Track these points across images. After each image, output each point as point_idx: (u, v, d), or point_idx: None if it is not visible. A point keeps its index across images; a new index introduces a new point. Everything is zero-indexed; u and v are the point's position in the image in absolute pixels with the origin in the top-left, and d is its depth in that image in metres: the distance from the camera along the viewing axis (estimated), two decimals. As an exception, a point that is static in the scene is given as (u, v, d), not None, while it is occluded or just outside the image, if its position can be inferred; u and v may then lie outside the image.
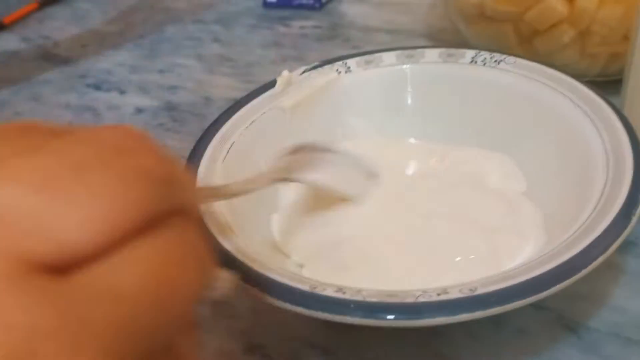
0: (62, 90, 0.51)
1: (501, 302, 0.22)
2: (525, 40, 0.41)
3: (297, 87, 0.35)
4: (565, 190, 0.29)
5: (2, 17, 0.62)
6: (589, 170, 0.27)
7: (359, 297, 0.22)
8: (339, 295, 0.22)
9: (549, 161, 0.31)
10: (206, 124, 0.33)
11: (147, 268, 0.14)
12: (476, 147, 0.34)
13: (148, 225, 0.14)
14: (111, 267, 0.13)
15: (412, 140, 0.36)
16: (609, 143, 0.28)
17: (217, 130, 0.32)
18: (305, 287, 0.23)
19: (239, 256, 0.24)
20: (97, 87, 0.51)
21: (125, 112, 0.47)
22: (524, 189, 0.32)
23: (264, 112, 0.34)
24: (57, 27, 0.62)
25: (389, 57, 0.36)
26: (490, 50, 0.35)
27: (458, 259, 0.28)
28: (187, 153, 0.31)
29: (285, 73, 0.35)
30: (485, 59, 0.34)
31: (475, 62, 0.35)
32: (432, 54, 0.36)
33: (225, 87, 0.49)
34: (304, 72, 0.36)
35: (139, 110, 0.47)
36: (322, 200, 0.32)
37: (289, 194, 0.33)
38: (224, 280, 0.24)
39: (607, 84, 0.36)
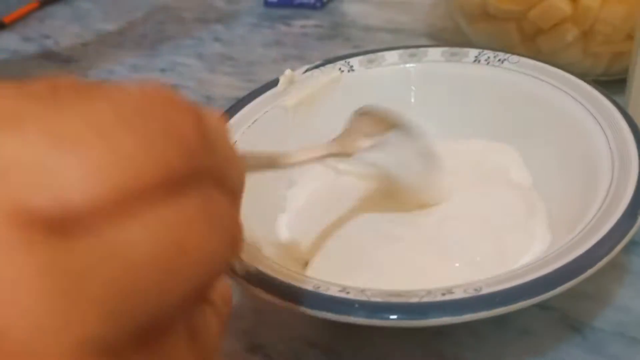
0: (62, 89, 0.51)
1: (506, 302, 0.22)
2: (529, 39, 0.41)
3: (299, 85, 0.35)
4: (570, 190, 0.29)
5: (3, 17, 0.62)
6: (593, 169, 0.27)
7: (362, 297, 0.22)
8: (343, 295, 0.22)
9: (553, 160, 0.31)
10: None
11: (160, 232, 0.13)
12: (480, 145, 0.34)
13: (169, 187, 0.13)
14: (119, 228, 0.12)
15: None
16: (613, 142, 0.27)
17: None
18: (308, 287, 0.23)
19: (242, 255, 0.24)
20: (98, 86, 0.51)
21: (126, 111, 0.47)
22: (530, 185, 0.31)
23: (267, 111, 0.33)
24: (58, 26, 0.62)
25: (391, 56, 0.36)
26: (493, 49, 0.35)
27: (463, 262, 0.27)
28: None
29: (288, 72, 0.35)
30: (488, 57, 0.34)
31: (479, 61, 0.34)
32: (435, 52, 0.36)
33: (226, 87, 0.49)
34: (306, 70, 0.36)
35: (140, 110, 0.47)
36: (332, 200, 0.31)
37: (298, 193, 0.32)
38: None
39: (611, 83, 0.36)
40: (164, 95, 0.14)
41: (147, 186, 0.12)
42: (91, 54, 0.56)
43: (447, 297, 0.22)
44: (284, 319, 0.29)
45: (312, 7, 0.59)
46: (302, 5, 0.59)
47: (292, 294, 0.23)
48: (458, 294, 0.22)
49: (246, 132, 0.32)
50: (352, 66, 0.36)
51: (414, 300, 0.22)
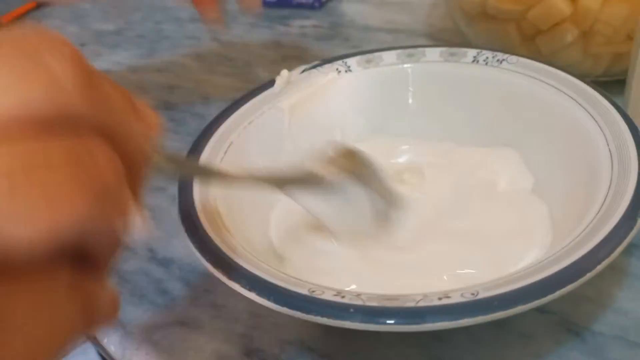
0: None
1: (503, 306, 0.21)
2: (528, 40, 0.40)
3: (296, 86, 0.35)
4: (569, 191, 0.28)
5: (0, 16, 0.62)
6: (593, 171, 0.27)
7: (358, 302, 0.22)
8: (338, 299, 0.22)
9: (552, 161, 0.31)
10: (205, 124, 0.33)
11: (12, 165, 0.13)
12: (479, 146, 0.34)
13: (30, 125, 0.13)
14: None
15: (413, 140, 0.35)
16: (612, 143, 0.27)
17: (215, 130, 0.32)
18: (303, 291, 0.22)
19: (237, 259, 0.24)
20: (95, 86, 0.51)
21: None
22: (531, 187, 0.31)
23: (263, 112, 0.33)
24: (56, 26, 0.62)
25: (389, 56, 0.36)
26: (493, 49, 0.35)
27: (450, 274, 0.27)
28: (185, 153, 0.31)
29: (284, 72, 0.35)
30: (487, 58, 0.34)
31: (477, 61, 0.34)
32: (433, 53, 0.35)
33: (224, 87, 0.48)
34: (303, 71, 0.35)
35: (137, 110, 0.47)
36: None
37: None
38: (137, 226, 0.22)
39: (611, 84, 0.36)
40: (53, 44, 0.14)
41: (1, 117, 0.13)
42: (89, 54, 0.56)
43: (444, 302, 0.22)
44: (280, 323, 0.28)
45: (311, 7, 0.58)
46: (300, 6, 0.59)
47: (287, 298, 0.22)
48: (455, 298, 0.22)
49: (242, 133, 0.32)
50: (349, 66, 0.35)
51: (410, 304, 0.22)
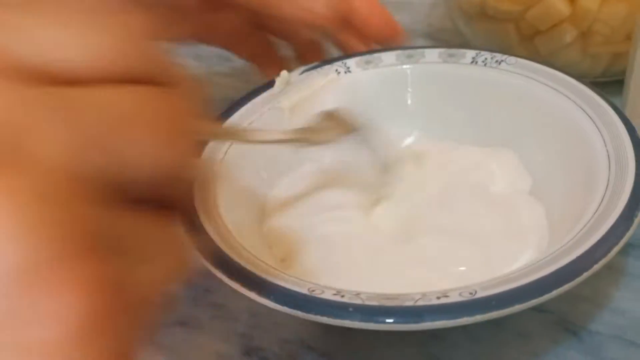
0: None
1: (501, 305, 0.21)
2: (527, 40, 0.40)
3: (296, 87, 0.35)
4: (567, 191, 0.29)
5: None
6: (590, 171, 0.27)
7: (357, 301, 0.22)
8: (338, 298, 0.22)
9: (550, 162, 0.31)
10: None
11: (120, 104, 0.14)
12: (478, 147, 0.34)
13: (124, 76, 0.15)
14: (88, 90, 0.14)
15: (412, 141, 0.35)
16: (610, 145, 0.27)
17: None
18: (303, 290, 0.23)
19: (237, 258, 0.24)
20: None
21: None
22: (529, 188, 0.31)
23: (263, 113, 0.33)
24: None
25: (388, 57, 0.36)
26: (492, 49, 0.35)
27: (444, 273, 0.27)
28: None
29: (284, 73, 0.35)
30: (486, 59, 0.34)
31: (476, 62, 0.34)
32: (432, 54, 0.35)
33: (224, 87, 0.49)
34: (303, 72, 0.36)
35: (138, 110, 0.47)
36: (317, 197, 0.31)
37: (286, 188, 0.32)
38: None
39: (610, 84, 0.36)
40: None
41: (119, 69, 0.15)
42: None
43: (443, 301, 0.22)
44: (280, 322, 0.29)
45: (311, 7, 0.58)
46: (300, 6, 0.59)
47: (286, 297, 0.23)
48: (453, 298, 0.22)
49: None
50: (348, 67, 0.36)
51: (409, 303, 0.22)
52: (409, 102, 0.36)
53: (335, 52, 0.40)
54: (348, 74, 0.36)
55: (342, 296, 0.22)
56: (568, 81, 0.31)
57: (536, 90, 0.32)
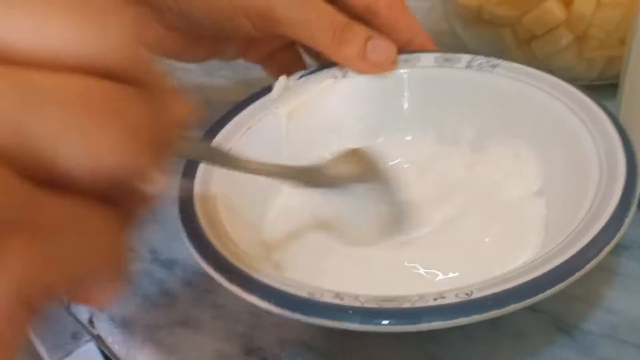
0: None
1: (497, 305, 0.22)
2: (523, 44, 0.41)
3: (294, 92, 0.35)
4: (561, 194, 0.29)
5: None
6: (583, 173, 0.28)
7: (356, 303, 0.23)
8: (337, 301, 0.23)
9: (544, 165, 0.31)
10: (206, 129, 0.33)
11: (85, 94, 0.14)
12: (474, 150, 0.34)
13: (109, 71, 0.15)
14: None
15: (408, 145, 0.36)
16: (602, 148, 0.28)
17: (213, 137, 0.32)
18: (303, 294, 0.23)
19: (237, 262, 0.25)
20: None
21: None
22: (528, 189, 0.32)
23: (261, 118, 0.34)
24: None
25: (385, 61, 0.36)
26: (488, 53, 0.35)
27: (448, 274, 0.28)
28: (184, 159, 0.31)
29: (282, 78, 0.35)
30: (481, 63, 0.35)
31: (471, 66, 0.35)
32: (428, 58, 0.36)
33: (224, 91, 0.49)
34: (301, 77, 0.36)
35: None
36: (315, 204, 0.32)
37: (287, 196, 0.33)
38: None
39: (605, 88, 0.36)
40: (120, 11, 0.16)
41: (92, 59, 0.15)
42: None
43: (439, 302, 0.22)
44: (281, 322, 0.29)
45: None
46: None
47: (287, 301, 0.23)
48: (450, 299, 0.22)
49: (240, 140, 0.32)
50: (346, 72, 0.36)
51: (407, 305, 0.22)
52: (405, 106, 0.36)
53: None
54: (345, 78, 0.36)
55: (342, 299, 0.23)
56: (562, 85, 0.32)
57: (530, 94, 0.32)
